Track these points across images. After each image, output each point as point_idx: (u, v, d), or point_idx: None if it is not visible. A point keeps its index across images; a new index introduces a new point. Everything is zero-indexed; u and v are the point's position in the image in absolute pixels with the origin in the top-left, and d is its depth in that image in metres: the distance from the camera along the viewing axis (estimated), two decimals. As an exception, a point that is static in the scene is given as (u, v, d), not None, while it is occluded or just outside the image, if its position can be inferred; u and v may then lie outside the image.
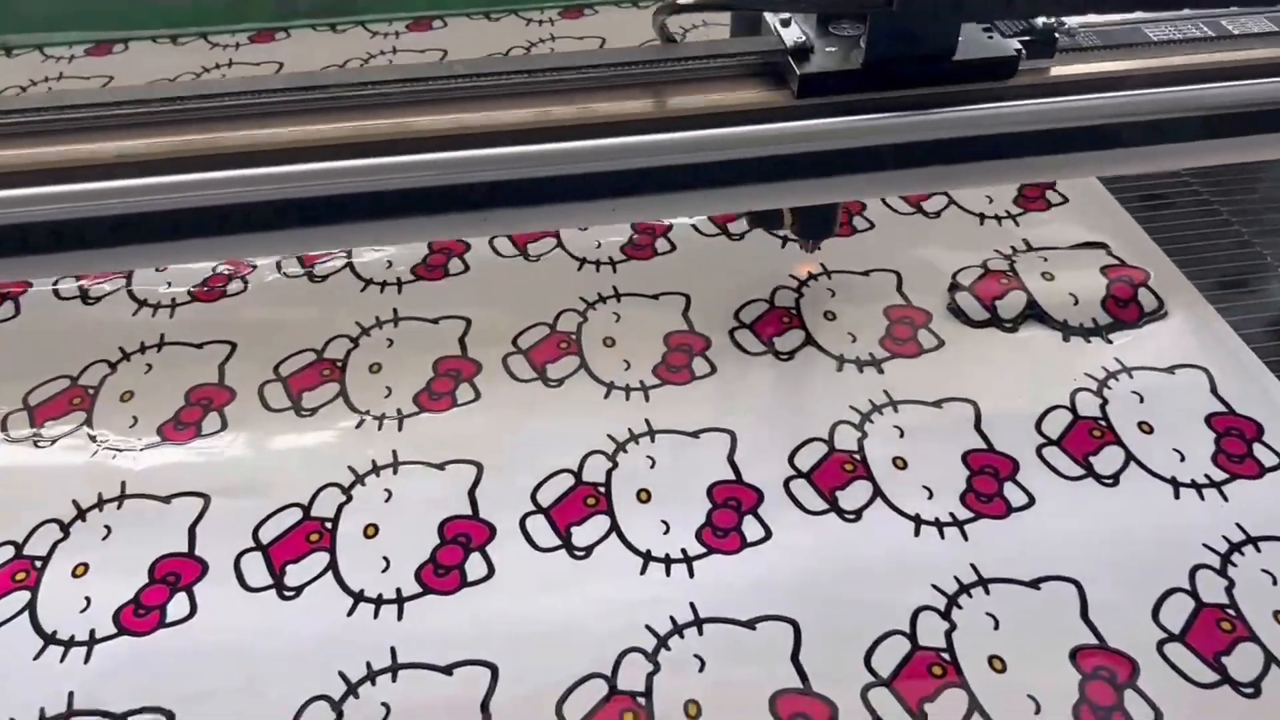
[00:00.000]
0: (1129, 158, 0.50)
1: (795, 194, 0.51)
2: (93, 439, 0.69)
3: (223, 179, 0.42)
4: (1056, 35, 0.48)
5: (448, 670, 0.56)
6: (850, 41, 0.47)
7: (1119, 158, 0.50)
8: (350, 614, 0.58)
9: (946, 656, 0.56)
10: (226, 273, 0.81)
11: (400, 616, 0.58)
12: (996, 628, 0.57)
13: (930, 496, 0.64)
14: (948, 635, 0.57)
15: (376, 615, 0.58)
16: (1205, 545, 0.61)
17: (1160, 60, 0.49)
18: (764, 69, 0.48)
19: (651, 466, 0.66)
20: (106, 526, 0.63)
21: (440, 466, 0.66)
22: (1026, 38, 0.47)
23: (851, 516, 0.63)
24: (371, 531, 0.63)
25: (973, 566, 0.60)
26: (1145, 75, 0.48)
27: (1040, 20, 0.48)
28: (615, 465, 0.66)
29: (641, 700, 0.54)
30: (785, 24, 0.47)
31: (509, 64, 0.46)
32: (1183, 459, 0.66)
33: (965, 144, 0.47)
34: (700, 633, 0.57)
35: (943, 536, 0.62)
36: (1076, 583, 0.59)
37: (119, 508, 0.64)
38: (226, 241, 0.44)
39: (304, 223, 0.44)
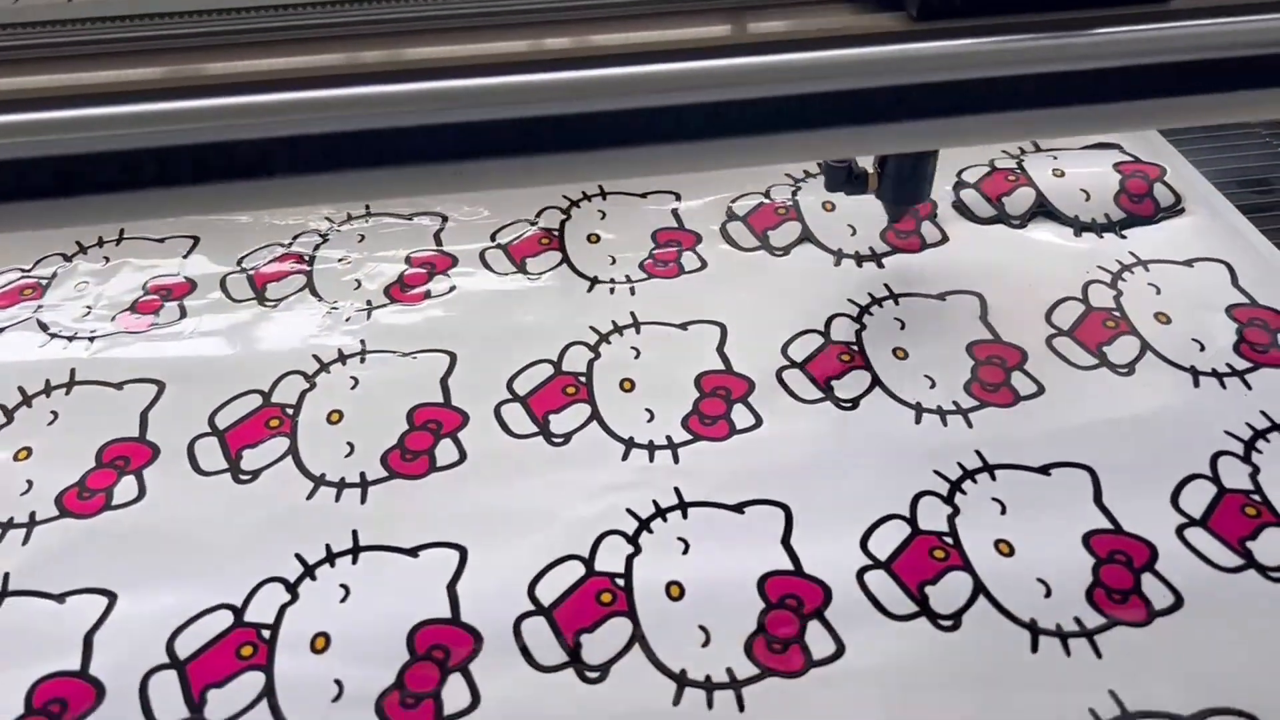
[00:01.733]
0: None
1: (906, 138, 0.41)
2: (43, 327, 0.65)
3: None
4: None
5: (413, 552, 0.52)
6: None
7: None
8: (310, 497, 0.54)
9: (949, 540, 0.52)
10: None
11: (364, 500, 0.54)
12: (1004, 513, 0.53)
13: (932, 386, 0.60)
14: (950, 520, 0.53)
15: (338, 499, 0.54)
16: (1228, 432, 0.57)
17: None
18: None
19: (636, 357, 0.62)
20: (53, 412, 0.59)
21: (411, 355, 0.62)
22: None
23: (848, 405, 0.59)
24: (336, 418, 0.59)
25: (978, 453, 0.56)
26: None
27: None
28: (597, 356, 0.62)
29: (620, 582, 0.50)
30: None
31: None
32: (1202, 349, 0.62)
33: (1120, 75, 0.37)
34: (685, 516, 0.53)
35: (945, 424, 0.58)
36: (1089, 469, 0.55)
37: (67, 394, 0.60)
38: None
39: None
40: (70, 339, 0.64)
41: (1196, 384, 0.60)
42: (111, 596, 0.50)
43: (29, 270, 0.69)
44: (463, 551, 0.51)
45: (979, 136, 0.43)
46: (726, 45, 0.36)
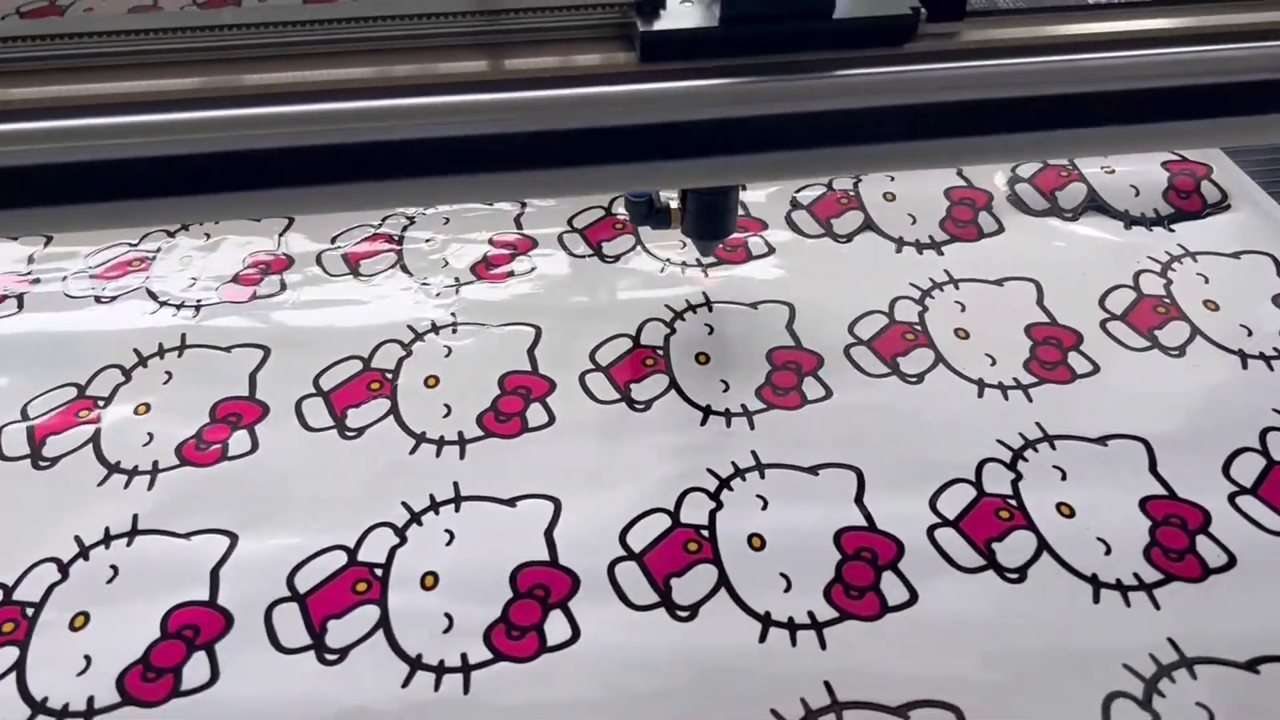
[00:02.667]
0: (1040, 143, 0.42)
1: (637, 178, 0.43)
2: (153, 296, 0.69)
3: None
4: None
5: (510, 503, 0.55)
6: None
7: (1032, 143, 0.41)
8: (412, 453, 0.58)
9: (1013, 503, 0.55)
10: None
11: (462, 456, 0.58)
12: (1064, 479, 0.56)
13: (993, 364, 0.63)
14: (1014, 484, 0.56)
15: (439, 454, 0.58)
16: (1276, 410, 0.60)
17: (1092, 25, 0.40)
18: (610, 30, 0.39)
19: (710, 333, 0.66)
20: (167, 373, 0.64)
21: (500, 327, 0.66)
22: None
23: (914, 379, 0.62)
24: (432, 383, 0.62)
25: (1038, 424, 0.59)
26: (1070, 42, 0.39)
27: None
28: (673, 331, 0.66)
29: (705, 533, 0.54)
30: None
31: (309, 12, 0.39)
32: (1250, 334, 0.65)
33: (844, 118, 0.39)
34: (762, 476, 0.57)
35: (1006, 399, 0.61)
36: (1144, 440, 0.58)
37: (179, 356, 0.65)
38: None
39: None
40: (178, 307, 0.68)
41: (1245, 366, 0.63)
42: (233, 537, 0.54)
43: (136, 245, 0.73)
44: (557, 503, 0.55)
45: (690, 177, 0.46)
46: (458, 81, 0.37)
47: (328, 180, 0.37)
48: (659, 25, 0.38)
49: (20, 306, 0.68)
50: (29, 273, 0.71)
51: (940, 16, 0.39)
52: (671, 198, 0.60)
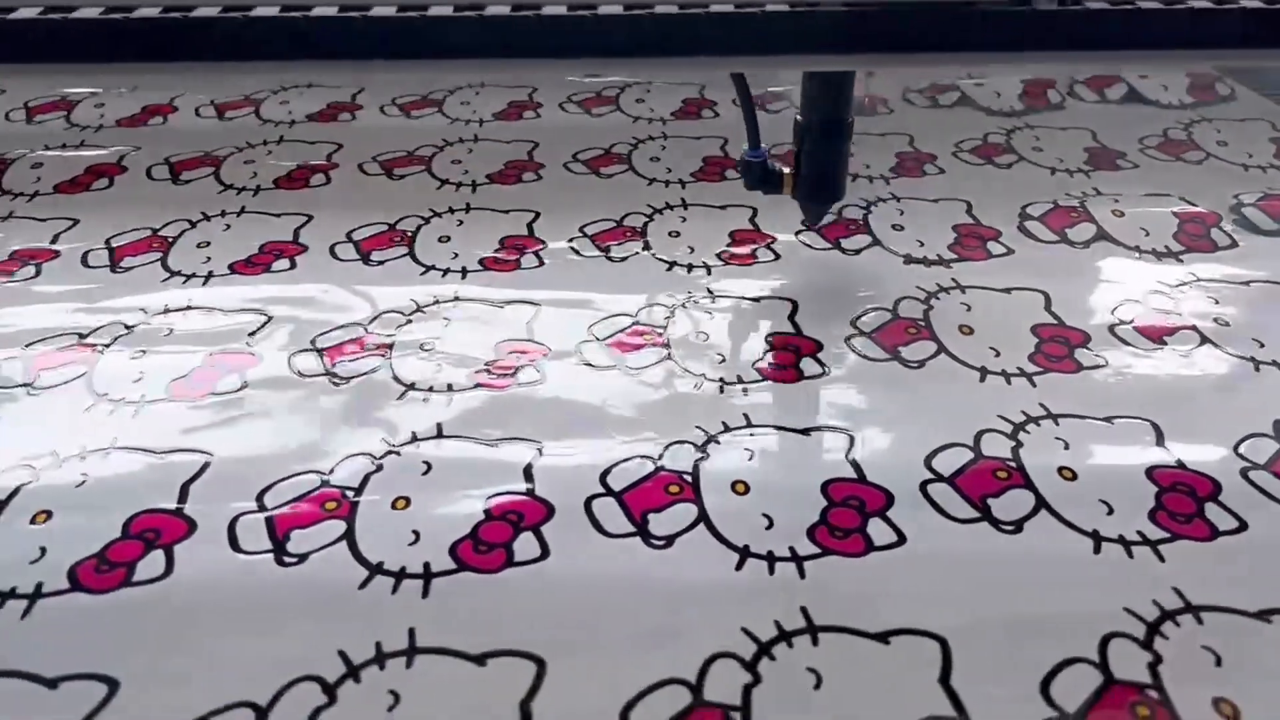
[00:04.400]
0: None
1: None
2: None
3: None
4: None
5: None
6: None
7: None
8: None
9: (1012, 464, 0.53)
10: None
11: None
12: (1067, 448, 0.54)
13: (997, 355, 0.62)
14: (1014, 450, 0.54)
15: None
16: (1289, 407, 0.58)
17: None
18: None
19: (711, 318, 0.66)
20: (170, 328, 0.64)
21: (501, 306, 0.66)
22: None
23: (914, 364, 0.61)
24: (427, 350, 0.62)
25: (1041, 404, 0.58)
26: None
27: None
28: (672, 316, 0.66)
29: (688, 478, 0.52)
30: None
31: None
32: (1262, 345, 0.63)
33: None
34: (751, 435, 0.55)
35: (1009, 384, 0.60)
36: (1153, 422, 0.56)
37: (184, 317, 0.65)
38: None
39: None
40: (188, 277, 0.69)
41: (1257, 369, 0.61)
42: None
43: (158, 230, 0.75)
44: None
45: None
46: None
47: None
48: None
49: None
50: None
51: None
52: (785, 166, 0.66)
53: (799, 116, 0.65)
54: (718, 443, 0.55)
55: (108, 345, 0.62)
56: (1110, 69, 0.98)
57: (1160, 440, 0.55)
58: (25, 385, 0.59)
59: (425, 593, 0.46)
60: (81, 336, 0.63)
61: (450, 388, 0.59)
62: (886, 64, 0.64)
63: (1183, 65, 0.92)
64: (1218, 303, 0.68)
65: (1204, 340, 0.64)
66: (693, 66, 0.69)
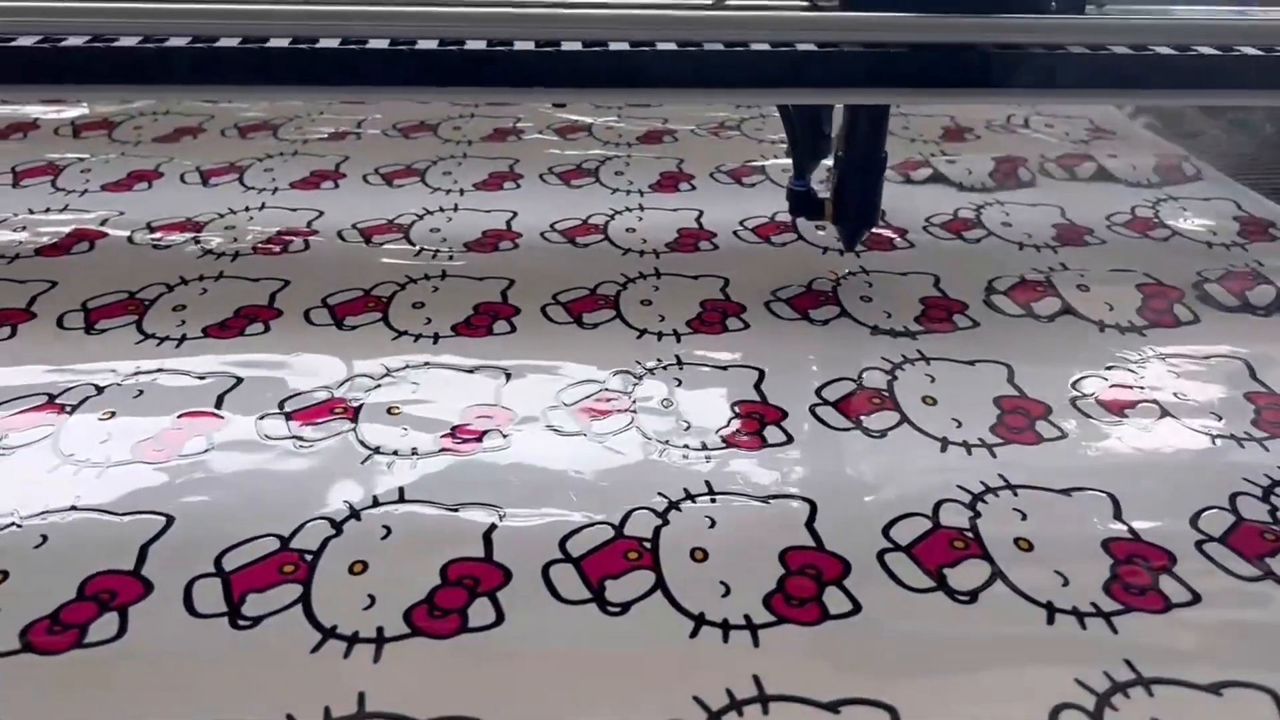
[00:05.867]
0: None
1: None
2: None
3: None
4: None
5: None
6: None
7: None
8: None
9: (969, 535, 0.53)
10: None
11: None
12: (1024, 519, 0.55)
13: (959, 425, 0.63)
14: (971, 520, 0.55)
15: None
16: (1246, 479, 0.58)
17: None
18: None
19: (678, 385, 0.66)
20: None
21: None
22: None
23: (876, 434, 0.62)
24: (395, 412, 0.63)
25: (1000, 475, 0.58)
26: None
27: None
28: (639, 382, 0.66)
29: (647, 545, 0.52)
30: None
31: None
32: (1220, 419, 0.64)
33: None
34: (713, 500, 0.56)
35: (970, 454, 0.60)
36: (1110, 494, 0.57)
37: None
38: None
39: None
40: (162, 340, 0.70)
41: (1214, 443, 0.62)
42: None
43: (135, 294, 0.76)
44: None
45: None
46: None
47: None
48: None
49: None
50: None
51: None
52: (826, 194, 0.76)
53: (839, 152, 0.73)
54: (679, 510, 0.55)
55: (76, 406, 0.63)
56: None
57: (1119, 513, 0.55)
58: (-7, 445, 0.59)
59: (377, 657, 0.46)
60: (51, 397, 0.64)
61: (415, 451, 0.59)
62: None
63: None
64: (1178, 376, 0.68)
65: (1164, 414, 0.64)
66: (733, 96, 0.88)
